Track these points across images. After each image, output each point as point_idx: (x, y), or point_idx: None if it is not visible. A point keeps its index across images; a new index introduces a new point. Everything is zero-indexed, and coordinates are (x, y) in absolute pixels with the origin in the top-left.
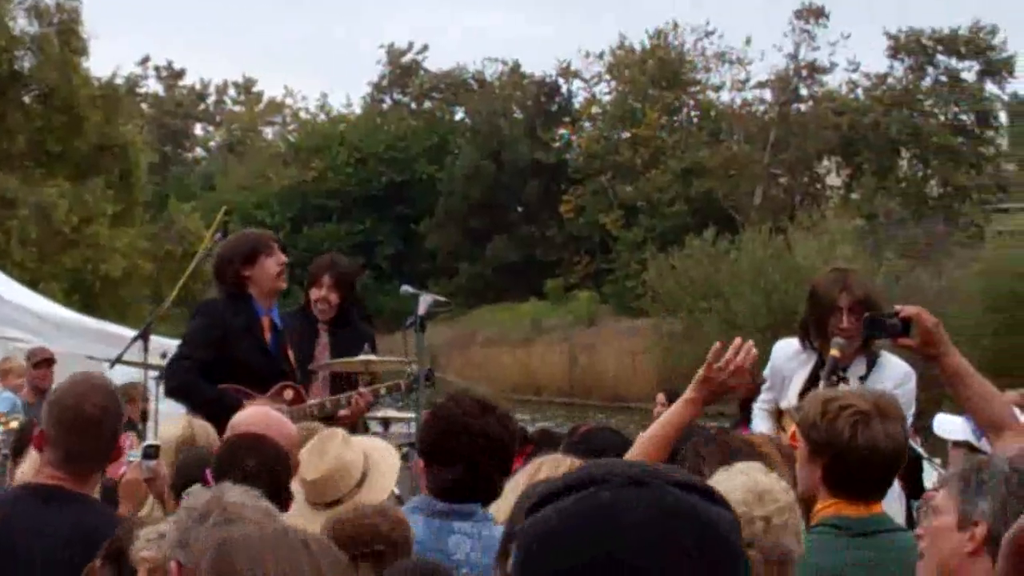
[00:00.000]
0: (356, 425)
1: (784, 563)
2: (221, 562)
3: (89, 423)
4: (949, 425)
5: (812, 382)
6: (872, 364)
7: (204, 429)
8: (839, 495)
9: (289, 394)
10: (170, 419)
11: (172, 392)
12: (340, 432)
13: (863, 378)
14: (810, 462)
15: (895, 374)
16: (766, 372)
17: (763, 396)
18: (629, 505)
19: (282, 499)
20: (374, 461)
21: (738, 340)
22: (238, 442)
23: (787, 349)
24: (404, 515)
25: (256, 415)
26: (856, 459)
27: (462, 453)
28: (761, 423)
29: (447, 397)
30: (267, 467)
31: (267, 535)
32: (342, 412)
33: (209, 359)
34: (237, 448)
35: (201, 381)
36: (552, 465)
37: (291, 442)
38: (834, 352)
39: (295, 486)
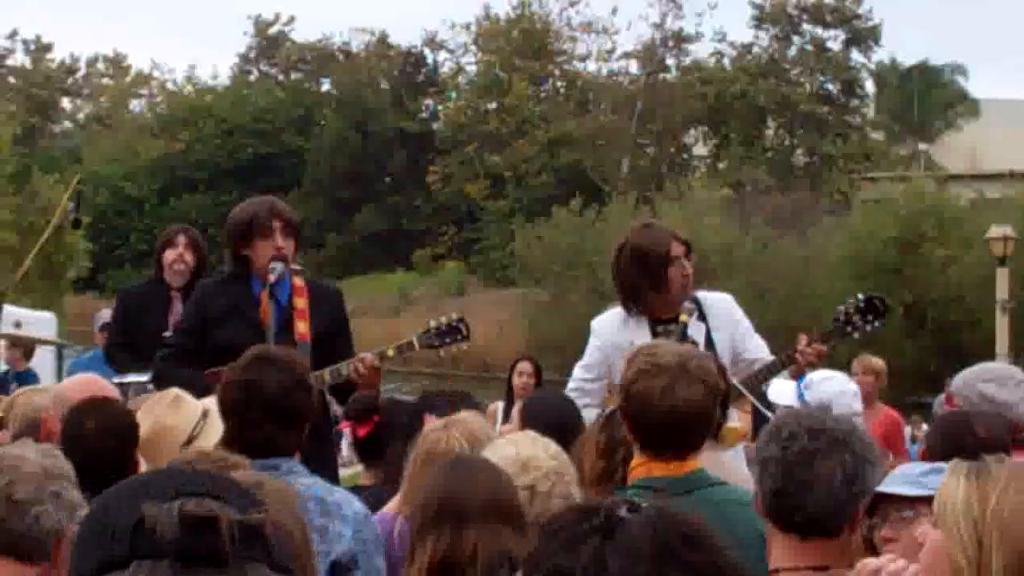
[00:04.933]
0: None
1: None
2: None
3: None
4: (779, 389)
5: None
6: (699, 306)
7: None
8: (648, 453)
9: None
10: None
11: (153, 382)
12: (172, 393)
13: (701, 317)
14: (623, 418)
15: (725, 309)
16: (589, 351)
17: (583, 375)
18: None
19: (130, 460)
20: (211, 421)
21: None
22: (79, 407)
23: (612, 321)
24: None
25: (77, 382)
26: (659, 418)
27: (235, 408)
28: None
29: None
30: (108, 428)
31: None
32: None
33: (191, 346)
34: (79, 414)
35: (173, 367)
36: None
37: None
38: (684, 318)
39: None
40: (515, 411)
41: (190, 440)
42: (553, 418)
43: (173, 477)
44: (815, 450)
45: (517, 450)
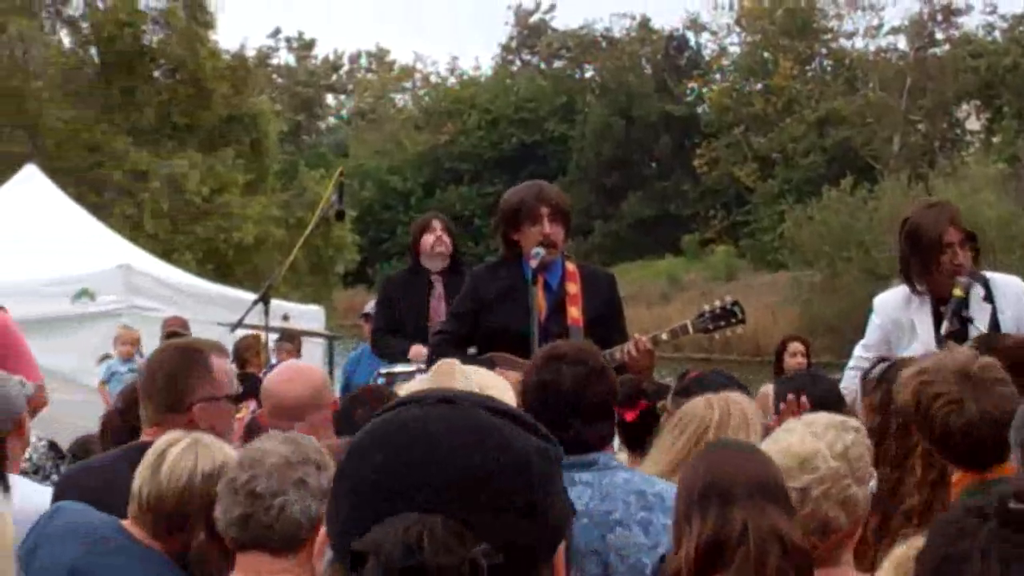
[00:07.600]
0: None
1: (826, 532)
2: None
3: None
4: None
5: (939, 327)
6: (988, 288)
7: None
8: (961, 467)
9: None
10: None
11: (429, 367)
12: (452, 363)
13: (986, 298)
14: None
15: (1013, 291)
16: (869, 329)
17: (862, 354)
18: (434, 419)
19: None
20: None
21: None
22: (352, 397)
23: (895, 299)
24: None
25: (284, 369)
26: (956, 442)
27: (534, 411)
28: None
29: None
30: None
31: None
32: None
33: (464, 331)
34: (350, 402)
35: (447, 352)
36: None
37: (318, 386)
38: (958, 292)
39: None
40: (763, 390)
41: None
42: (816, 399)
43: None
44: None
45: (798, 443)
